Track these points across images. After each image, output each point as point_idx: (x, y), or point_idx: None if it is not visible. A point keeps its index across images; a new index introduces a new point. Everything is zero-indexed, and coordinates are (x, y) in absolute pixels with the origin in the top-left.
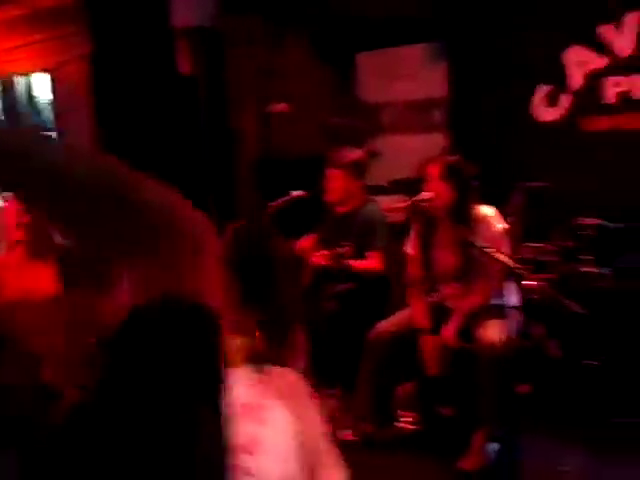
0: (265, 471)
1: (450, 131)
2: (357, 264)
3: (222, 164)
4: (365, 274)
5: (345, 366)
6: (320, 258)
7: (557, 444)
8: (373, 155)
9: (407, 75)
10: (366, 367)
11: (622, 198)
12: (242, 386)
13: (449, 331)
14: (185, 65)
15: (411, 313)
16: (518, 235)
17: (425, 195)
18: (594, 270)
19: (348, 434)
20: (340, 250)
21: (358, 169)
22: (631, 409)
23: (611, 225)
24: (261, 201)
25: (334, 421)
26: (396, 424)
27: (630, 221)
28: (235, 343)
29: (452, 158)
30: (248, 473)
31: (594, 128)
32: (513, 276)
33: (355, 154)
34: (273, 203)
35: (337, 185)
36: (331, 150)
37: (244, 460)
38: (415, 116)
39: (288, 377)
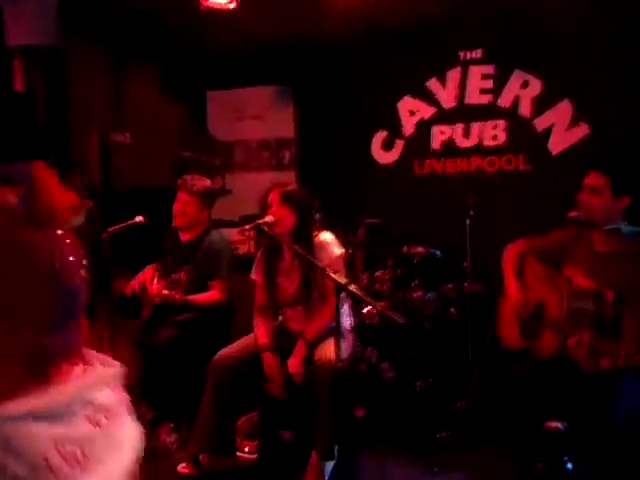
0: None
1: (298, 169)
2: (196, 298)
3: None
4: (206, 306)
5: (185, 397)
6: (155, 288)
7: (389, 460)
8: (224, 191)
9: (256, 115)
10: (208, 394)
11: (445, 233)
12: (107, 390)
13: (296, 362)
14: (19, 83)
15: (254, 335)
16: (359, 265)
17: (268, 218)
18: (422, 295)
19: (185, 467)
20: (175, 277)
21: (208, 198)
22: (454, 425)
23: (438, 253)
24: (99, 231)
25: (171, 455)
26: (237, 454)
27: (451, 252)
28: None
29: (290, 186)
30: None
31: (422, 171)
32: (349, 298)
33: (208, 182)
34: (111, 228)
35: (187, 210)
36: (181, 178)
37: (64, 473)
38: (265, 154)
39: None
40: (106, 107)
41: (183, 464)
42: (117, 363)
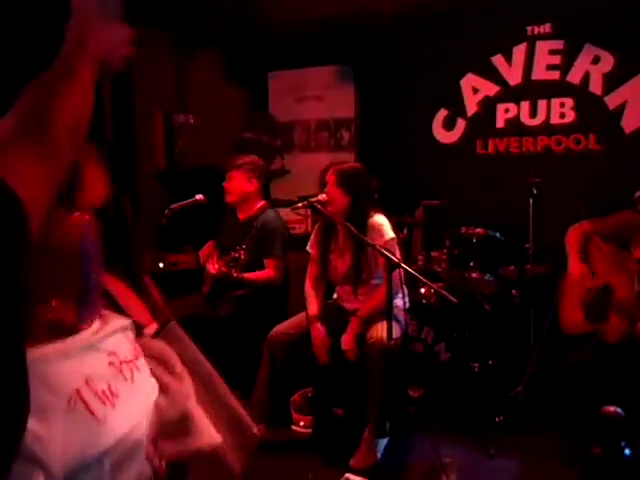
0: (112, 423)
1: (357, 150)
2: (251, 276)
3: (126, 173)
4: (260, 284)
5: (243, 371)
6: (214, 266)
7: (443, 441)
8: (283, 171)
9: (317, 95)
10: (264, 368)
11: (508, 214)
12: (123, 340)
13: (349, 338)
14: None
15: (306, 306)
16: (417, 246)
17: (321, 197)
18: (480, 276)
19: None
20: (234, 255)
21: (254, 170)
22: (512, 409)
23: (497, 235)
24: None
25: None
26: (292, 427)
27: (513, 233)
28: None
29: (348, 166)
30: (96, 419)
31: (485, 150)
32: (404, 278)
33: (253, 157)
34: (174, 205)
35: (234, 185)
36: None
37: (96, 407)
38: (324, 135)
39: (158, 344)
40: (170, 90)
41: None
42: (130, 318)
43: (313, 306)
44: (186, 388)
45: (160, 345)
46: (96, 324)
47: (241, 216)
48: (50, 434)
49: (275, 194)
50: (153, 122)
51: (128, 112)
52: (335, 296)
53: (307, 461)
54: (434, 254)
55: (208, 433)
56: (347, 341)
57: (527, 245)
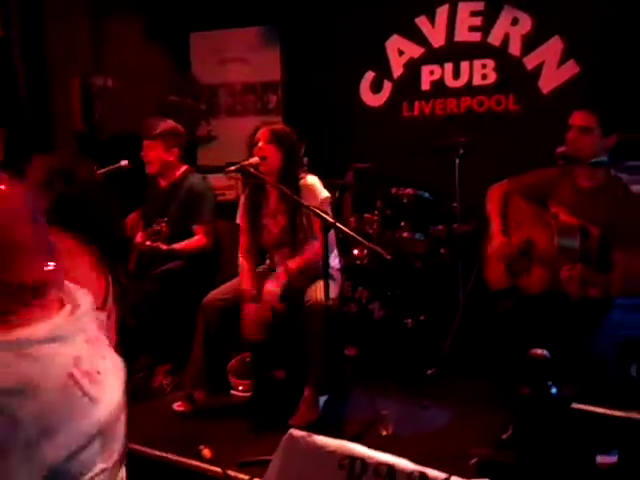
0: (102, 402)
1: (285, 114)
2: (182, 246)
3: (40, 136)
4: (192, 253)
5: (179, 340)
6: (139, 239)
7: (380, 395)
8: (209, 137)
9: (241, 58)
10: (199, 335)
11: (435, 175)
12: (91, 318)
13: (273, 287)
14: None
15: (239, 280)
16: (348, 208)
17: (253, 160)
18: (411, 235)
19: (180, 405)
20: (155, 228)
21: (173, 138)
22: (442, 361)
23: (426, 195)
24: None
25: (167, 396)
26: (231, 392)
27: (440, 193)
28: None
29: (278, 125)
30: (90, 400)
31: (412, 113)
32: (337, 239)
33: (167, 124)
34: (97, 172)
35: (152, 156)
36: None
37: (88, 389)
38: (251, 98)
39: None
40: (86, 52)
41: (179, 402)
42: (91, 296)
43: (246, 280)
44: None
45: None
46: (68, 306)
47: (163, 184)
48: (51, 419)
49: (202, 161)
50: (69, 85)
51: (42, 73)
52: (268, 262)
53: (247, 423)
54: (366, 216)
55: None
56: (270, 288)
57: (454, 204)
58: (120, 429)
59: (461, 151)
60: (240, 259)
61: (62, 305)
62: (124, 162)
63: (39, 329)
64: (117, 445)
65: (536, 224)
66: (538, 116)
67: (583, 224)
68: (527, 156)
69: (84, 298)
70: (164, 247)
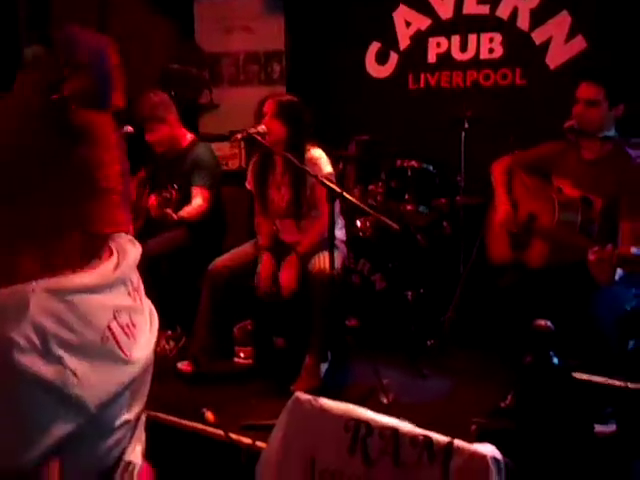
0: (135, 356)
1: (289, 84)
2: (186, 214)
3: None
4: (195, 218)
5: (184, 306)
6: (152, 202)
7: (380, 364)
8: (212, 105)
9: (245, 26)
10: (204, 302)
11: (440, 148)
12: (135, 268)
13: (288, 276)
14: None
15: (257, 235)
16: (351, 180)
17: (260, 128)
18: (414, 208)
19: (186, 365)
20: (165, 194)
21: (166, 110)
22: (442, 333)
23: (431, 167)
24: None
25: (169, 360)
26: (233, 360)
27: (445, 166)
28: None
29: (286, 97)
30: (124, 354)
31: (417, 85)
32: (342, 210)
33: (158, 96)
34: None
35: (154, 137)
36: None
37: (124, 342)
38: (254, 68)
39: None
40: (90, 19)
41: (184, 362)
42: (139, 246)
43: (264, 236)
44: None
45: None
46: (115, 255)
47: (170, 155)
48: (86, 372)
49: (203, 129)
50: None
51: (46, 41)
52: (275, 228)
53: (249, 389)
54: (370, 187)
55: None
56: (286, 279)
57: (458, 177)
58: (146, 384)
59: (466, 125)
60: (257, 220)
61: (111, 253)
62: (128, 128)
63: (85, 277)
64: (141, 399)
65: (539, 198)
66: (544, 91)
67: (585, 195)
68: (533, 130)
69: (132, 248)
70: (174, 217)
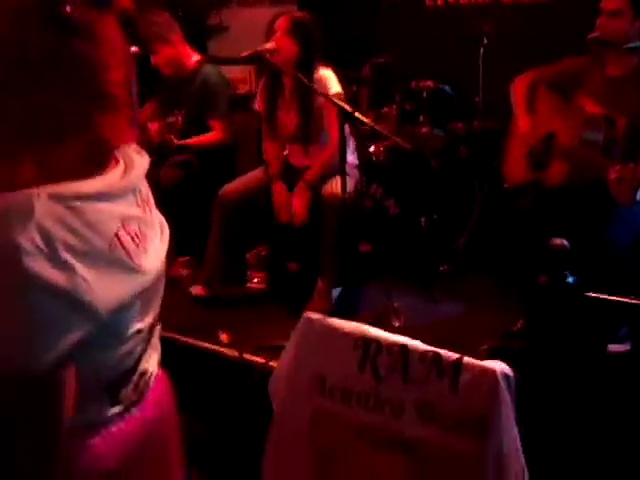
0: (145, 267)
1: (299, 4)
2: (194, 141)
3: None
4: (209, 147)
5: (196, 232)
6: (153, 130)
7: (392, 289)
8: (220, 28)
9: None
10: (215, 228)
11: (458, 67)
12: (143, 182)
13: (299, 204)
14: None
15: (266, 162)
16: (364, 103)
17: (269, 45)
18: (429, 131)
19: (199, 289)
20: (170, 119)
21: (168, 30)
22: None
23: (447, 88)
24: None
25: (185, 280)
26: (246, 285)
27: (463, 88)
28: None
29: (299, 14)
30: (133, 262)
31: (434, 2)
32: (353, 134)
33: (160, 15)
34: None
35: (160, 59)
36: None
37: (133, 251)
38: None
39: None
40: None
41: (197, 286)
42: (147, 156)
43: (273, 164)
44: None
45: None
46: (122, 164)
47: (176, 78)
48: (95, 278)
49: (212, 52)
50: None
51: None
52: (285, 152)
53: (262, 312)
54: (384, 110)
55: None
56: (298, 206)
57: (476, 99)
58: (158, 294)
59: (485, 41)
60: (266, 145)
61: (117, 162)
62: (133, 48)
63: (90, 185)
64: (154, 309)
65: (560, 116)
66: (567, 6)
67: (608, 114)
68: (555, 48)
69: (139, 158)
70: (175, 142)
